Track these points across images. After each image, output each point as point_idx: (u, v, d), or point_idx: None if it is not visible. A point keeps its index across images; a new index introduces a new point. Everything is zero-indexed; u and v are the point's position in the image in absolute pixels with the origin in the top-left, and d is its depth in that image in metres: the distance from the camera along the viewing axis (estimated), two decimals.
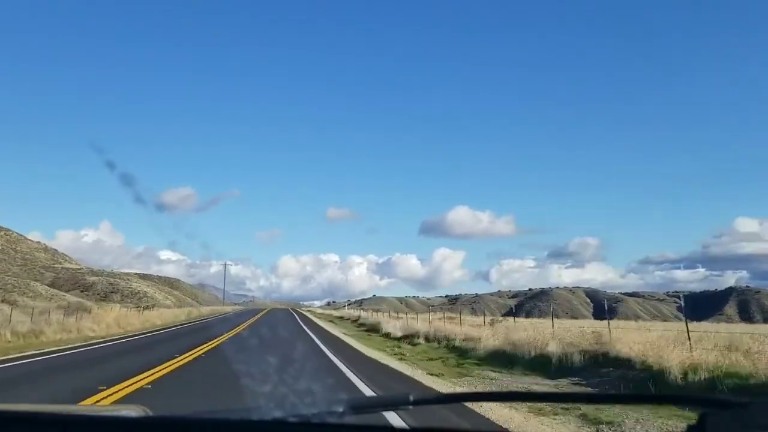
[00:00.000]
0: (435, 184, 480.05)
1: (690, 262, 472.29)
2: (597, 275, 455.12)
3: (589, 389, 10.23)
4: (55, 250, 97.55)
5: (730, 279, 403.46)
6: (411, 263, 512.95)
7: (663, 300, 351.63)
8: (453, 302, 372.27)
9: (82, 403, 7.03)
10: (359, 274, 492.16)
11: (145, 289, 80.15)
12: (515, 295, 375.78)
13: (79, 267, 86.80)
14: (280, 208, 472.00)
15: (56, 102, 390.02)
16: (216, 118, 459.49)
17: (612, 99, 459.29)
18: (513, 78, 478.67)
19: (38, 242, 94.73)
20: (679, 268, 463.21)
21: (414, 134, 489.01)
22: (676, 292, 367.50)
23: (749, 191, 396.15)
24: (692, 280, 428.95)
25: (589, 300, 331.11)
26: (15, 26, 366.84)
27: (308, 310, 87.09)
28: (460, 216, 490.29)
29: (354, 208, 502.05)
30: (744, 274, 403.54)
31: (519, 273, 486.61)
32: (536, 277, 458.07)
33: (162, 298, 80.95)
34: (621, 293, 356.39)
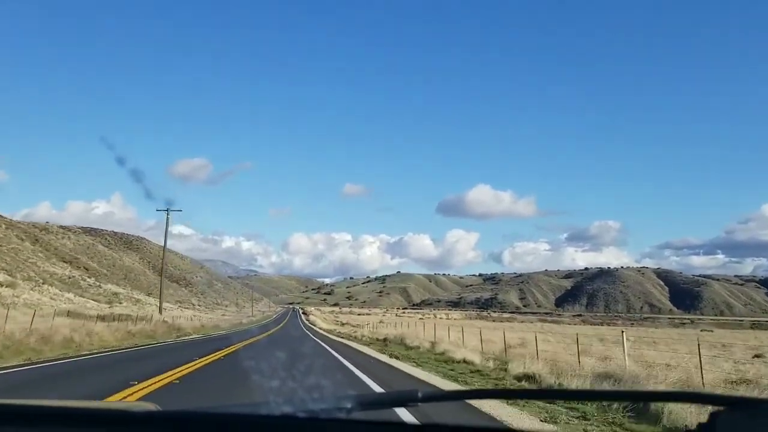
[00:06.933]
0: (457, 163, 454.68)
1: (710, 248, 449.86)
2: (612, 259, 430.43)
3: (600, 388, 8.83)
4: None
5: (748, 266, 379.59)
6: (424, 243, 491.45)
7: (743, 285, 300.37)
8: (494, 282, 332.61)
9: None
10: (370, 254, 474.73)
11: None
12: (569, 275, 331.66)
13: None
14: (294, 184, 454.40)
15: (70, 77, 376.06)
16: (234, 92, 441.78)
17: (641, 86, 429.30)
18: (541, 62, 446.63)
19: None
20: (698, 253, 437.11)
21: (438, 112, 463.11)
22: (749, 276, 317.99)
23: None
24: (710, 266, 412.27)
25: (662, 283, 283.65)
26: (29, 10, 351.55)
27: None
28: (481, 195, 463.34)
29: (370, 185, 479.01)
30: (763, 261, 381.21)
31: (532, 255, 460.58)
32: (549, 260, 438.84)
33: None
34: (697, 276, 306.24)
